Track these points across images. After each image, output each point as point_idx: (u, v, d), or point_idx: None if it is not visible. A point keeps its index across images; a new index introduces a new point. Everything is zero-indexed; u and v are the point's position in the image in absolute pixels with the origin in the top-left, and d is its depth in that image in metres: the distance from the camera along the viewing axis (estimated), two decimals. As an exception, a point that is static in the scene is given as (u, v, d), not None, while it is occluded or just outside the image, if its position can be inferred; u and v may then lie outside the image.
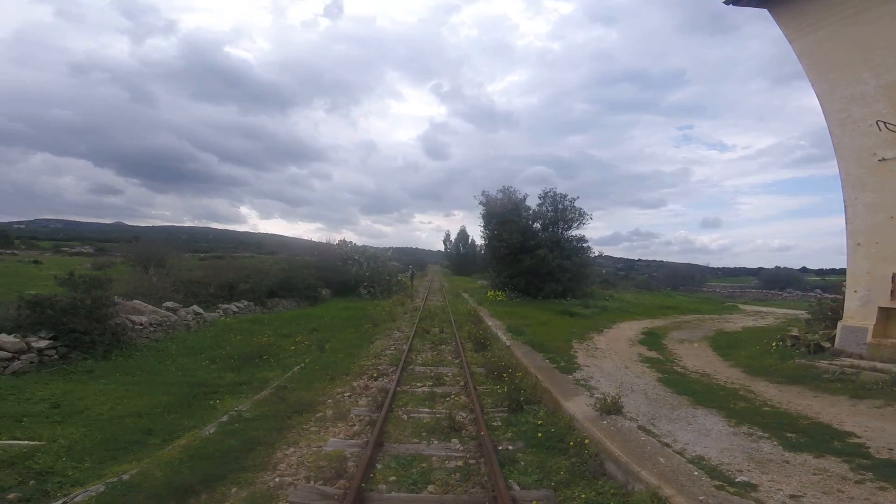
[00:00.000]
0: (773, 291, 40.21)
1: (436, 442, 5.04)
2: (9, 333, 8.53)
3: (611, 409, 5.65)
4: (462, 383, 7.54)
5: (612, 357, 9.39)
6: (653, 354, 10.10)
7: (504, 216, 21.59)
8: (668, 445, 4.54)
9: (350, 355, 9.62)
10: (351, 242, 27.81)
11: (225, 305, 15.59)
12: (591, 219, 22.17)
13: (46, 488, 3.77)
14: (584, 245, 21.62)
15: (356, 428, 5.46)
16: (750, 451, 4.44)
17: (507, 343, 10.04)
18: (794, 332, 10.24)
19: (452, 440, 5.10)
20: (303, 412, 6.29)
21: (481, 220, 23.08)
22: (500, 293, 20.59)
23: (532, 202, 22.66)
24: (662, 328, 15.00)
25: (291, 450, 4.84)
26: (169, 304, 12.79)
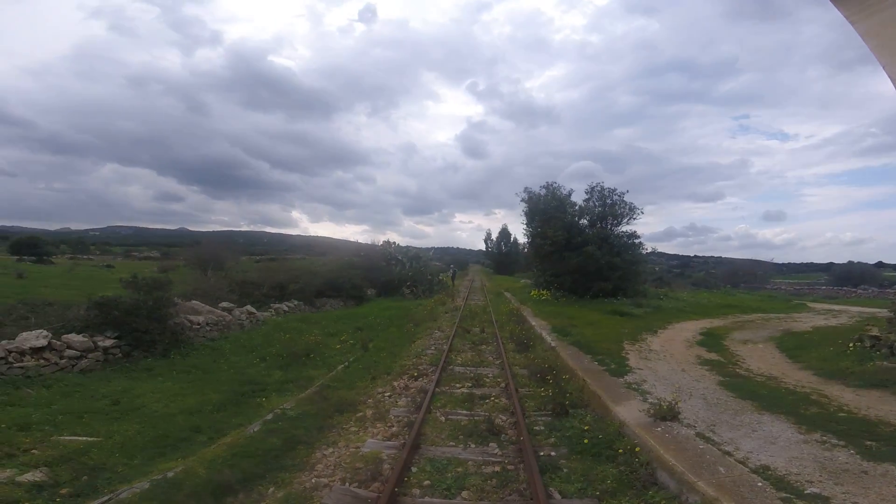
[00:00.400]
0: (844, 288, 36.21)
1: (473, 446, 4.87)
2: (78, 333, 9.32)
3: (665, 414, 5.21)
4: (503, 385, 7.31)
5: (667, 359, 8.74)
6: (713, 356, 9.31)
7: (548, 213, 20.83)
8: (729, 454, 4.11)
9: (392, 354, 9.67)
10: (394, 243, 28.29)
11: (276, 305, 16.29)
12: (643, 213, 20.94)
13: (97, 484, 3.97)
14: (636, 241, 20.42)
15: (394, 429, 5.40)
16: (822, 460, 3.96)
17: (552, 344, 9.66)
18: (875, 331, 9.03)
19: (490, 444, 4.90)
20: (344, 411, 6.34)
21: (524, 218, 22.43)
22: (544, 292, 19.97)
23: (578, 198, 21.78)
24: (723, 328, 13.86)
25: (330, 450, 4.85)
26: (224, 304, 13.54)
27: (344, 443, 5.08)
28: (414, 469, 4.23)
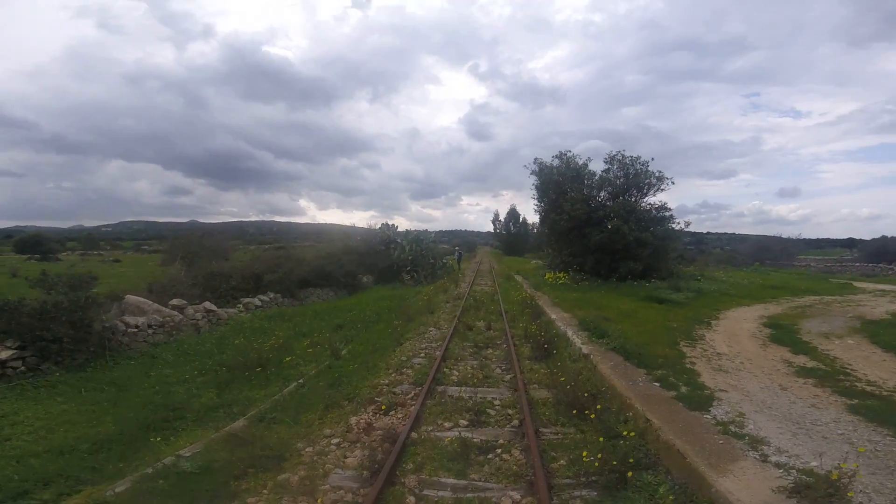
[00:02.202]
0: (880, 265, 32.87)
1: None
2: None
3: (822, 495, 2.73)
4: (516, 423, 4.82)
5: (749, 370, 6.17)
6: (805, 361, 6.72)
7: (562, 185, 18.32)
8: None
9: (366, 366, 7.23)
10: (394, 226, 25.70)
11: (247, 299, 13.96)
12: (672, 183, 18.09)
13: None
14: (667, 214, 17.60)
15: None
16: None
17: (584, 348, 7.11)
18: None
19: None
20: (263, 468, 4.13)
21: (534, 193, 19.99)
22: (561, 275, 17.33)
23: (595, 169, 19.10)
24: (786, 317, 11.17)
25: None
26: (175, 301, 11.22)
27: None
28: None
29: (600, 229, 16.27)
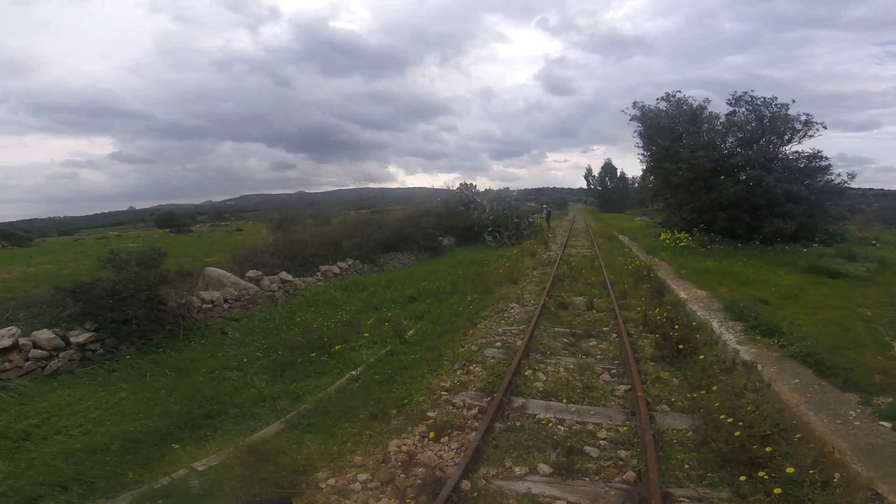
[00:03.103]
0: None
1: None
2: (53, 327, 7.42)
3: None
4: (632, 474, 3.16)
5: None
6: None
7: (675, 130, 15.52)
8: None
9: (430, 356, 5.96)
10: (473, 185, 24.01)
11: (325, 267, 13.67)
12: (825, 128, 13.80)
13: None
14: (823, 165, 13.48)
15: None
16: None
17: (744, 353, 4.95)
18: None
19: None
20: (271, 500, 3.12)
21: (638, 141, 17.29)
22: (682, 235, 14.27)
23: (715, 109, 15.92)
24: None
25: None
26: (251, 272, 11.13)
27: None
28: None
29: (734, 180, 13.14)
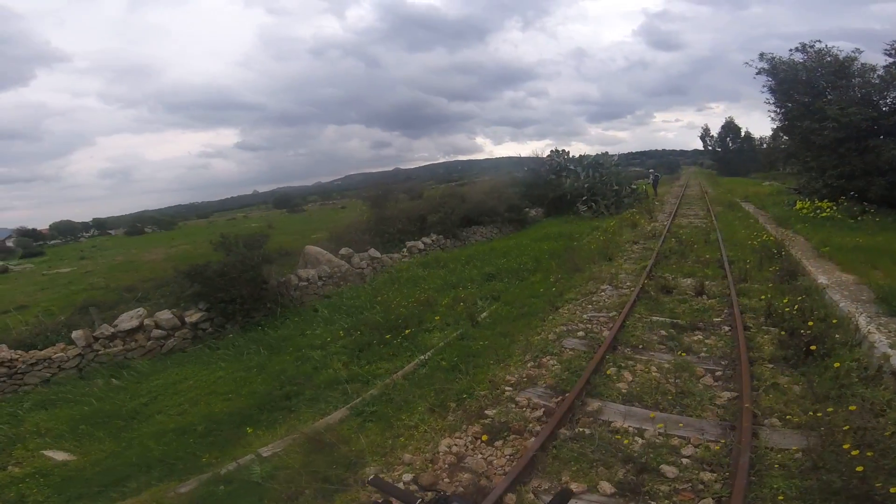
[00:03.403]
0: None
1: None
2: (173, 307, 8.49)
3: None
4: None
5: None
6: None
7: (816, 84, 13.84)
8: None
9: (501, 343, 5.54)
10: (566, 152, 22.15)
11: (411, 243, 13.89)
12: None
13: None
14: None
15: None
16: None
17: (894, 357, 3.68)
18: None
19: None
20: (321, 493, 3.26)
21: (768, 97, 15.46)
22: (824, 204, 12.09)
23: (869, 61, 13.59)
24: None
25: None
26: (343, 250, 11.70)
27: None
28: None
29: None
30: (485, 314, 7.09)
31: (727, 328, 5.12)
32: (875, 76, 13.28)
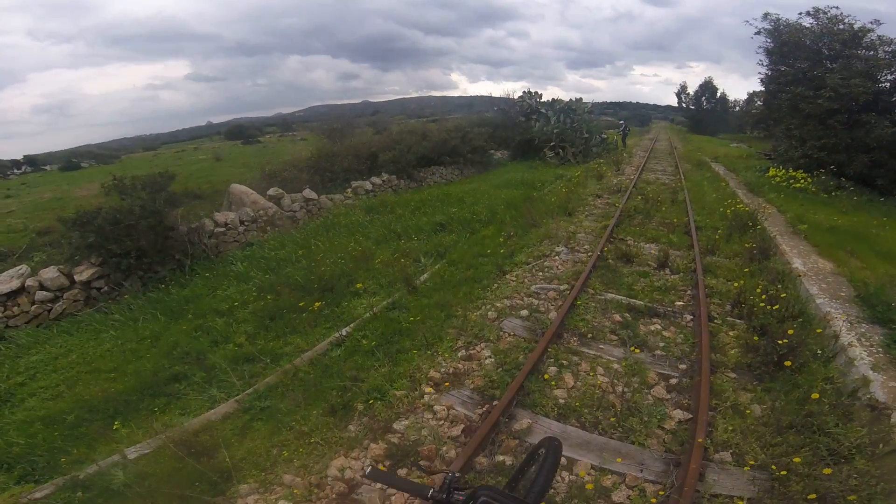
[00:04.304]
0: None
1: None
2: (67, 262, 6.84)
3: None
4: None
5: None
6: None
7: (820, 51, 13.26)
8: None
9: (432, 321, 4.63)
10: (538, 94, 20.50)
11: (357, 183, 12.43)
12: None
13: None
14: None
15: None
16: None
17: (878, 386, 3.13)
18: None
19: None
20: None
21: (762, 58, 15.05)
22: (798, 174, 11.93)
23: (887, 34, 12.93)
24: None
25: None
26: (272, 191, 10.16)
27: None
28: None
29: (891, 120, 11.29)
30: (425, 276, 6.14)
31: (689, 317, 4.39)
32: (886, 51, 12.71)
